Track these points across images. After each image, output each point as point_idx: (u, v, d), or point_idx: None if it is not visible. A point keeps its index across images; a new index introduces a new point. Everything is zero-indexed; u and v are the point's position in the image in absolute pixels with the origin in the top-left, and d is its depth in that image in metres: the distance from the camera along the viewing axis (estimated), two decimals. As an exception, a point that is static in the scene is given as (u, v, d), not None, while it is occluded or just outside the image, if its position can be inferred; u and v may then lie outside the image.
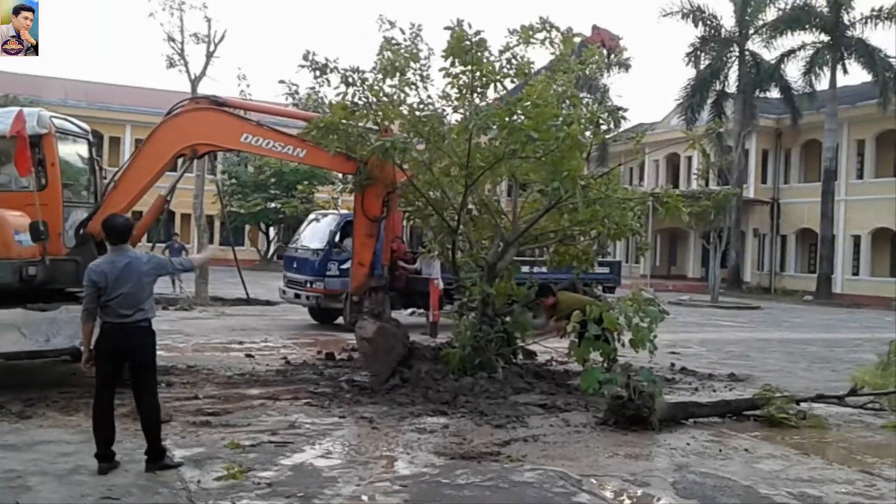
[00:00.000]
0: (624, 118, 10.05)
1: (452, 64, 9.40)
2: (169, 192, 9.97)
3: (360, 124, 10.10)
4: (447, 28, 9.34)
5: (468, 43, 9.21)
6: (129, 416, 7.02)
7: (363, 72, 9.81)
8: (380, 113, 9.97)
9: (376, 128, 10.17)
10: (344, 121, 9.85)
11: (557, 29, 9.91)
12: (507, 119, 9.29)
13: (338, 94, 9.88)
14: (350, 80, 9.76)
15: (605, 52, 11.37)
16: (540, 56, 14.47)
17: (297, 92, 10.61)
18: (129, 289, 5.86)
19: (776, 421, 8.30)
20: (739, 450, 7.31)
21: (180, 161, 10.02)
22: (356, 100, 9.86)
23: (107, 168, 10.67)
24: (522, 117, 9.35)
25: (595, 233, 11.15)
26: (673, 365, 12.36)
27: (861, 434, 8.29)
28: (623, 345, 9.19)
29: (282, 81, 10.57)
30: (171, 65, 22.84)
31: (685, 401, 9.21)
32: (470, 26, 9.28)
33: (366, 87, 9.79)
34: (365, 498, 5.59)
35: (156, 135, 9.64)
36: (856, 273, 37.21)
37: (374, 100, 9.86)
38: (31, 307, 8.67)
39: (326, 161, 10.56)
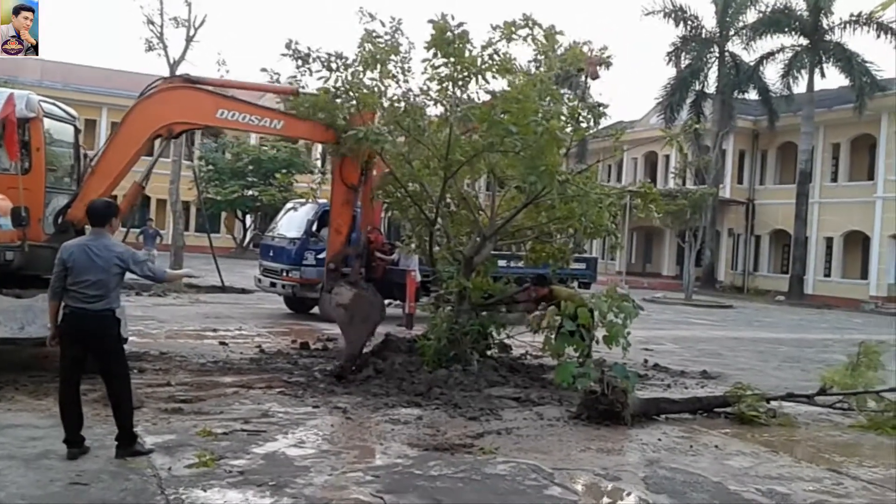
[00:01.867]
0: (604, 115, 10.10)
1: (435, 55, 9.38)
2: (144, 177, 9.87)
3: (345, 108, 10.09)
4: (430, 21, 9.33)
5: (450, 34, 9.20)
6: (101, 402, 6.95)
7: (346, 58, 9.79)
8: (360, 103, 9.94)
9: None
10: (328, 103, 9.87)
11: (540, 26, 9.92)
12: (487, 113, 9.30)
13: (320, 78, 9.85)
14: (333, 65, 9.73)
15: (588, 75, 11.45)
16: (522, 52, 14.52)
17: (278, 80, 10.56)
18: (95, 276, 5.79)
19: (746, 418, 8.40)
20: (710, 446, 7.38)
21: (157, 143, 9.92)
22: (338, 85, 9.84)
23: (86, 151, 10.52)
24: (503, 113, 9.36)
25: (572, 230, 11.20)
26: (646, 361, 12.46)
27: (829, 433, 8.40)
28: (597, 342, 9.25)
29: (263, 70, 10.53)
30: (150, 48, 22.67)
31: (657, 397, 9.28)
32: (453, 18, 9.27)
33: (348, 75, 9.76)
34: (337, 488, 5.58)
35: (130, 117, 9.52)
36: (827, 274, 37.69)
37: (356, 85, 9.83)
38: (7, 293, 8.56)
39: (305, 131, 10.59)
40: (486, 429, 7.47)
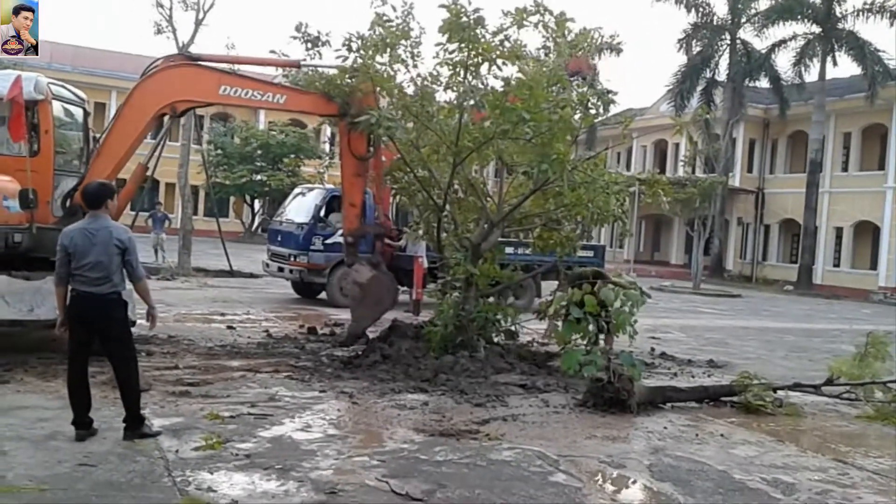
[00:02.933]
0: (613, 102, 10.06)
1: (449, 40, 9.34)
2: (149, 159, 9.87)
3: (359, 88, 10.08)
4: (442, 6, 9.29)
5: (466, 19, 9.15)
6: (109, 384, 7.00)
7: (364, 38, 9.76)
8: (376, 85, 9.91)
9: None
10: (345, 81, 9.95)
11: (551, 12, 9.88)
12: (500, 99, 9.26)
13: (338, 58, 9.82)
14: (353, 45, 9.70)
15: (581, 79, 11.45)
16: (532, 39, 14.48)
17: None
18: (95, 257, 5.79)
19: (752, 408, 8.39)
20: (715, 435, 7.38)
21: (165, 121, 9.92)
22: (354, 65, 9.81)
23: (96, 134, 10.54)
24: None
25: (580, 217, 11.18)
26: (653, 350, 12.45)
27: (836, 423, 8.39)
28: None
29: (272, 52, 10.51)
30: (159, 31, 22.56)
31: (664, 385, 9.26)
32: (470, 2, 9.23)
33: (363, 56, 9.73)
34: (343, 472, 5.60)
35: (133, 96, 9.51)
36: (837, 265, 37.54)
37: (371, 66, 9.80)
38: (16, 275, 8.59)
39: (307, 104, 10.62)
40: (491, 415, 7.48)
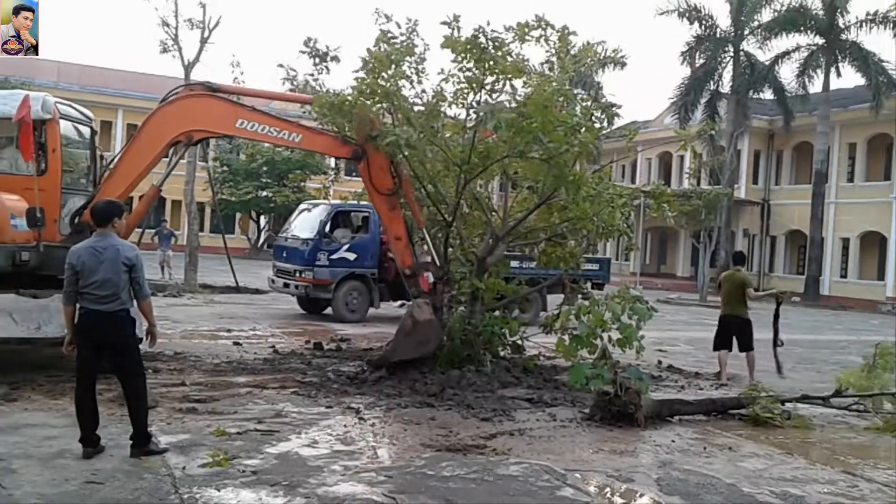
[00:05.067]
0: (617, 115, 10.11)
1: (465, 59, 9.38)
2: (163, 181, 9.94)
3: (375, 108, 10.09)
4: (444, 23, 9.35)
5: (483, 39, 9.20)
6: (116, 401, 7.02)
7: (377, 57, 9.81)
8: (393, 102, 9.94)
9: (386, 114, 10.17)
10: (353, 102, 9.92)
11: (553, 27, 9.93)
12: (516, 119, 9.29)
13: (356, 79, 9.86)
14: (370, 64, 9.74)
15: None
16: (535, 54, 14.56)
17: (294, 78, 10.62)
18: (103, 275, 5.81)
19: (761, 420, 8.36)
20: (724, 448, 7.35)
21: (175, 149, 9.99)
22: (372, 84, 9.84)
23: (103, 153, 10.60)
24: (530, 118, 9.35)
25: (585, 231, 11.19)
26: (660, 363, 12.43)
27: (844, 435, 8.35)
28: (614, 346, 9.21)
29: (280, 66, 10.58)
30: (165, 50, 22.73)
31: (671, 398, 9.24)
32: (488, 23, 9.31)
33: (375, 74, 9.75)
34: (350, 488, 5.60)
35: (150, 122, 9.61)
36: (844, 275, 37.42)
37: (389, 85, 9.83)
38: (23, 293, 8.63)
39: (322, 145, 10.66)
40: (498, 430, 7.47)
